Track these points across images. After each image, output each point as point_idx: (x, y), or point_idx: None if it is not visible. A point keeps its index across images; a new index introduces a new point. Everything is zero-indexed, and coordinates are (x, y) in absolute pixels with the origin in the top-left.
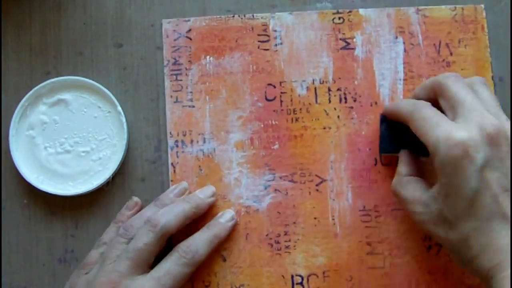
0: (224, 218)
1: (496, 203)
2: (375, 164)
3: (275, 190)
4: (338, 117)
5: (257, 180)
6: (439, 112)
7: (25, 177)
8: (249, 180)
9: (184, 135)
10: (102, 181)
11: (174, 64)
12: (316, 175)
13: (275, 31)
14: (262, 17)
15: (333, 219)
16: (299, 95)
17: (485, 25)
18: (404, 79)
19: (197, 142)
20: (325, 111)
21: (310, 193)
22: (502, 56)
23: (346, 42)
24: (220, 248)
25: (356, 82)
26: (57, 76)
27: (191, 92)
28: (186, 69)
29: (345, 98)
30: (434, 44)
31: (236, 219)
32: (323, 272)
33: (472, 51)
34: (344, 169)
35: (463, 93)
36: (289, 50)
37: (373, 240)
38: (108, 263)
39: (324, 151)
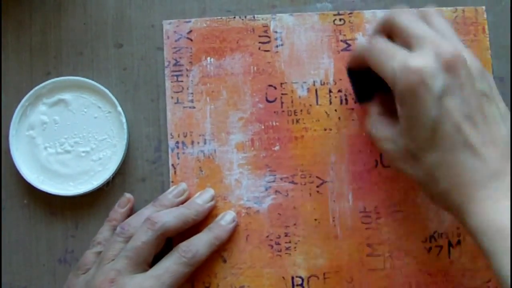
0: (225, 220)
1: (458, 131)
2: (376, 166)
3: (276, 191)
4: (339, 118)
5: (258, 181)
6: (394, 44)
7: (25, 177)
8: (249, 182)
9: (185, 136)
10: (102, 181)
11: (175, 65)
12: (317, 177)
13: (276, 32)
14: (263, 19)
15: (333, 221)
16: (299, 97)
17: (486, 27)
18: None
19: (198, 143)
20: (326, 112)
21: (310, 194)
22: (503, 57)
23: (347, 43)
24: (220, 249)
25: None
26: (57, 76)
27: (192, 93)
28: (187, 70)
29: (346, 100)
30: None
31: (236, 220)
32: (324, 274)
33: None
34: (344, 171)
35: (417, 25)
36: (290, 51)
37: (374, 242)
38: (106, 262)
39: (324, 152)
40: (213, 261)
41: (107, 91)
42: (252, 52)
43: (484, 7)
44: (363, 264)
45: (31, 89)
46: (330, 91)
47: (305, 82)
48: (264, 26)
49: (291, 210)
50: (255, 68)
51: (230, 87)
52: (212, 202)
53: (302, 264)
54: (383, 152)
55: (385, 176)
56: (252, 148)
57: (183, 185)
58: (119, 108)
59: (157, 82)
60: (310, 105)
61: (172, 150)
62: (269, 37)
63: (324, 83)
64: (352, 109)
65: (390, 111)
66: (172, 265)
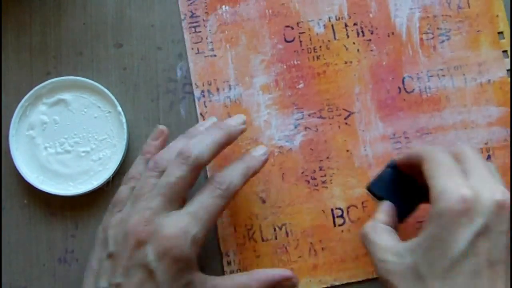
0: (257, 152)
1: (476, 275)
2: (399, 92)
3: (305, 128)
4: (358, 50)
5: (287, 120)
6: (455, 162)
7: (25, 177)
8: (278, 121)
9: (210, 84)
10: (102, 181)
11: (191, 17)
12: (344, 109)
13: None
14: None
15: (365, 150)
16: (317, 34)
17: None
18: (419, 8)
19: (223, 89)
20: (345, 46)
21: (339, 127)
22: None
23: None
24: (258, 191)
25: (371, 15)
26: (57, 76)
27: (211, 42)
28: (204, 20)
29: (362, 32)
30: None
31: (268, 154)
32: (362, 203)
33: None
34: (370, 100)
35: (481, 159)
36: None
37: None
38: (140, 199)
39: (348, 85)
40: (252, 203)
41: (107, 91)
42: None
43: None
44: None
45: (31, 89)
46: (346, 25)
47: (320, 19)
48: None
49: (322, 144)
50: (270, 11)
51: (249, 32)
52: (244, 126)
53: (340, 196)
54: (378, 262)
55: (410, 101)
56: (277, 88)
57: (213, 118)
58: (119, 108)
59: (157, 82)
60: (329, 40)
61: (199, 100)
62: None
63: (339, 18)
64: (370, 40)
65: (393, 227)
66: (207, 199)
